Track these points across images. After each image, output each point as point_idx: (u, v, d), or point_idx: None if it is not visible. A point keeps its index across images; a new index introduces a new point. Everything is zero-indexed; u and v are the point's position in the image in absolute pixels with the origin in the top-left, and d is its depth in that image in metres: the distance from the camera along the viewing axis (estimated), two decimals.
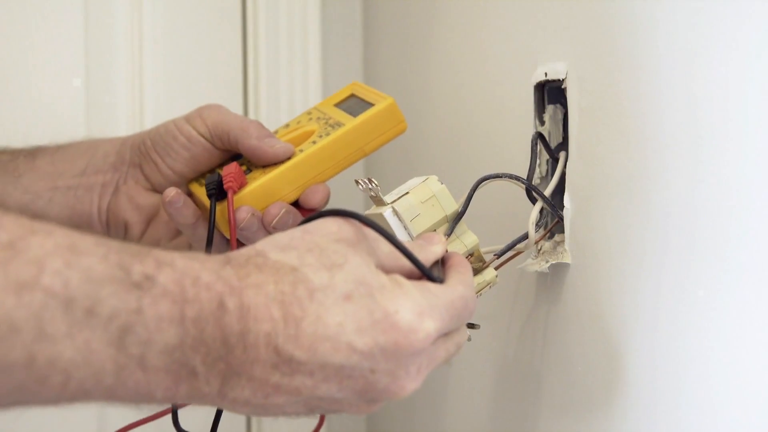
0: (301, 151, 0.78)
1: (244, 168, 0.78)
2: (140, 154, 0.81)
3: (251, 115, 1.17)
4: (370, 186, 0.66)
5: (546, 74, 0.76)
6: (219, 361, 0.51)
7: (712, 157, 0.59)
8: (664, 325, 0.64)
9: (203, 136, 0.79)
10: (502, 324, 0.85)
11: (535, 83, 0.78)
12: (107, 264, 0.48)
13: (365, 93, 0.82)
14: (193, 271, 0.51)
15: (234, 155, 0.80)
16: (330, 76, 1.21)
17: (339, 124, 0.79)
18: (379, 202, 0.67)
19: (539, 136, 0.76)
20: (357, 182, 0.67)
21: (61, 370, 0.47)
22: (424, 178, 0.69)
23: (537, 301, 0.80)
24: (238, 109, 1.17)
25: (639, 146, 0.66)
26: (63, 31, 1.08)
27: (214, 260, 0.53)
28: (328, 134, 0.78)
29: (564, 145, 0.77)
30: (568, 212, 0.73)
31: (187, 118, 0.80)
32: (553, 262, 0.73)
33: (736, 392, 0.59)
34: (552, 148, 0.78)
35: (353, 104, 0.81)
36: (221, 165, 0.80)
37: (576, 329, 0.73)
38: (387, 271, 0.57)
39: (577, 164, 0.73)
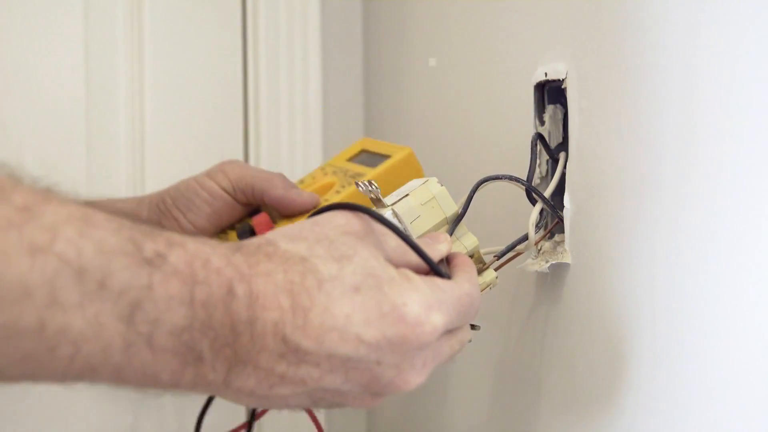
0: (326, 200, 0.79)
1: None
2: (159, 212, 0.81)
3: (251, 116, 1.17)
4: (370, 188, 0.66)
5: (546, 74, 0.76)
6: (226, 348, 0.51)
7: (712, 157, 0.59)
8: (665, 324, 0.64)
9: (225, 191, 0.80)
10: (502, 324, 0.85)
11: (535, 83, 0.78)
12: (119, 237, 0.48)
13: (377, 146, 0.84)
14: (203, 254, 0.51)
15: (254, 210, 0.81)
16: (330, 77, 1.21)
17: (359, 175, 0.81)
18: (379, 204, 0.67)
19: (539, 136, 0.75)
20: (357, 184, 0.67)
21: (71, 342, 0.46)
22: (424, 180, 0.69)
23: (537, 301, 0.80)
24: (238, 110, 1.17)
25: (639, 146, 0.65)
26: (63, 31, 1.08)
27: (224, 246, 0.53)
28: (350, 184, 0.80)
29: (564, 145, 0.77)
30: (568, 212, 0.73)
31: (209, 174, 0.82)
32: (553, 262, 0.73)
33: (736, 392, 0.59)
34: (552, 149, 0.77)
35: (367, 158, 0.84)
36: (241, 219, 0.81)
37: (576, 329, 0.73)
38: (394, 265, 0.58)
39: (577, 164, 0.73)
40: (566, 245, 0.74)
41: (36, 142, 1.06)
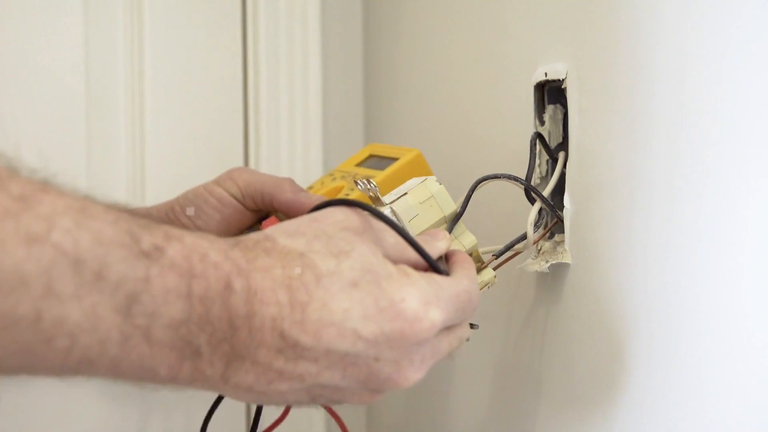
0: (347, 195, 0.80)
1: None
2: (168, 221, 0.81)
3: (251, 115, 1.17)
4: (368, 186, 0.66)
5: (546, 74, 0.76)
6: (224, 343, 0.51)
7: (713, 156, 0.59)
8: (661, 324, 0.63)
9: (234, 197, 0.80)
10: (502, 324, 0.85)
11: (535, 83, 0.77)
12: (117, 229, 0.48)
13: (385, 150, 0.85)
14: (201, 248, 0.51)
15: (263, 216, 0.81)
16: (330, 76, 1.21)
17: (369, 178, 0.80)
18: (378, 202, 0.67)
19: (538, 136, 0.75)
20: (356, 182, 0.67)
21: (67, 333, 0.46)
22: (422, 178, 0.69)
23: (537, 300, 0.79)
24: (238, 110, 1.17)
25: (639, 146, 0.65)
26: (63, 30, 1.08)
27: (222, 241, 0.53)
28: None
29: (564, 145, 0.77)
30: (568, 212, 0.73)
31: (217, 181, 0.81)
32: (553, 262, 0.73)
33: (734, 392, 0.59)
34: (551, 149, 0.77)
35: (376, 162, 0.84)
36: (251, 226, 0.82)
37: (576, 329, 0.73)
38: (392, 262, 0.58)
39: (577, 164, 0.73)
40: (566, 245, 0.74)
41: (36, 141, 1.06)
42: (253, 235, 0.55)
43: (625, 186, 0.67)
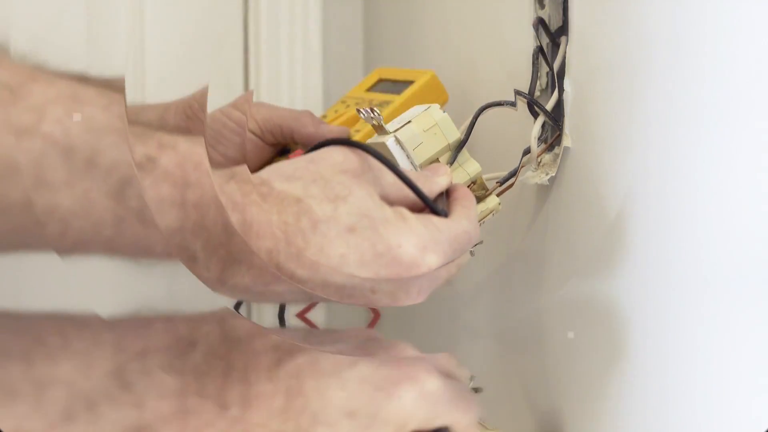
0: (357, 131, 0.78)
1: None
2: (186, 118, 0.77)
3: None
4: (372, 114, 0.65)
5: None
6: (220, 248, 0.51)
7: (713, 38, 0.60)
8: (662, 201, 0.66)
9: (253, 132, 0.78)
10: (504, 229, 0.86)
11: None
12: (109, 114, 0.48)
13: (395, 73, 0.82)
14: (196, 156, 0.51)
15: (281, 151, 0.80)
16: (330, 73, 1.17)
17: (386, 104, 0.79)
18: (381, 130, 0.66)
19: (540, 49, 0.74)
20: (359, 111, 0.66)
21: (60, 219, 0.47)
22: (426, 106, 0.68)
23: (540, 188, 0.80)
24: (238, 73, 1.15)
25: (639, 28, 0.65)
26: (63, 23, 1.04)
27: (219, 173, 0.53)
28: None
29: (564, 29, 0.76)
30: (568, 96, 0.73)
31: (234, 105, 0.79)
32: (553, 174, 0.73)
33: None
34: (552, 32, 0.76)
35: (389, 86, 0.81)
36: (270, 160, 0.80)
37: (576, 210, 0.74)
38: (391, 202, 0.58)
39: (577, 47, 0.72)
40: (566, 129, 0.74)
41: None
42: (250, 177, 0.55)
43: (625, 68, 0.67)
